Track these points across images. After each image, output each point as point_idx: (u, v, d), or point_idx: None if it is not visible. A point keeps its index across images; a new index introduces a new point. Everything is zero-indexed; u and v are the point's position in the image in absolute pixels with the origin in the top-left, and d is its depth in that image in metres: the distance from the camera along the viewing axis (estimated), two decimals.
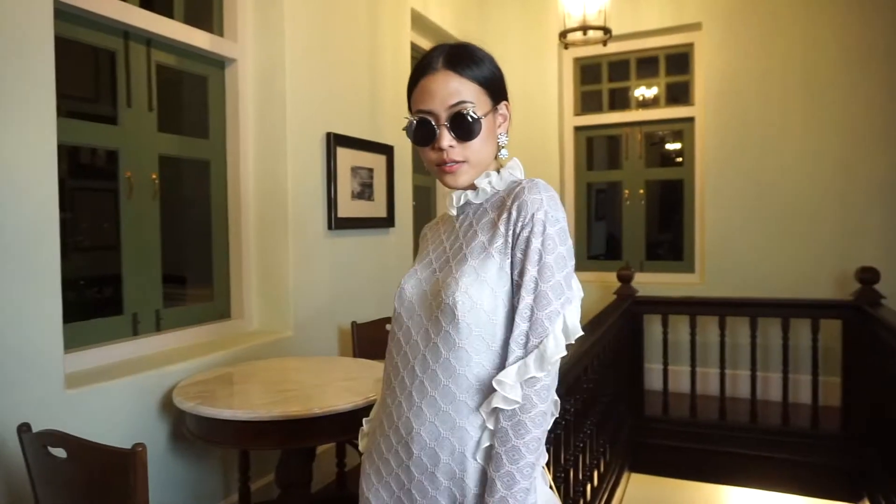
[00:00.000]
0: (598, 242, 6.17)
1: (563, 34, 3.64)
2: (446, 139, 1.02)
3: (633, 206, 4.83)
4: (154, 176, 2.55)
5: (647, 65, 4.77)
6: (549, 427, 1.01)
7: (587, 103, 4.99)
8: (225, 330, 2.81)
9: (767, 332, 3.93)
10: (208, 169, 2.84)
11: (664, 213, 5.98)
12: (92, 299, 3.05)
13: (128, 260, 2.47)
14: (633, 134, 4.81)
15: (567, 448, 2.34)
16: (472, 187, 1.09)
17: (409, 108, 1.09)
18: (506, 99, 1.12)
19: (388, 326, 1.17)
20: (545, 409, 0.98)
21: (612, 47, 4.34)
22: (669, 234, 5.39)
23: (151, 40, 2.51)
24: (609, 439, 3.26)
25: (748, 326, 3.73)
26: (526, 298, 0.98)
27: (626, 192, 4.84)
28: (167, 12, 2.57)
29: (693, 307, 3.89)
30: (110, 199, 2.65)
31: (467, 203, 1.11)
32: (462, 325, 0.99)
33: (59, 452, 1.40)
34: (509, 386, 0.96)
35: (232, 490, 2.52)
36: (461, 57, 1.05)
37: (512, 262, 1.00)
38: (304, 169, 2.94)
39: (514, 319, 0.99)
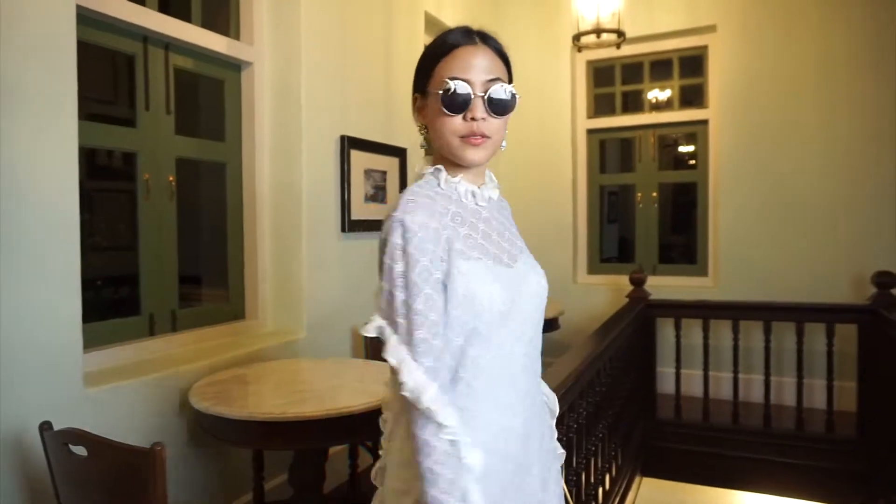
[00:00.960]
0: (609, 245, 6.16)
1: (576, 37, 3.64)
2: (480, 110, 1.01)
3: (645, 208, 4.81)
4: (171, 178, 2.58)
5: (660, 67, 4.75)
6: None
7: (600, 106, 4.98)
8: (239, 331, 2.84)
9: (782, 336, 3.90)
10: (224, 171, 2.87)
11: (677, 216, 5.96)
12: (109, 299, 3.09)
13: (145, 261, 2.50)
14: (647, 136, 4.79)
15: (580, 451, 2.34)
16: (478, 177, 1.10)
17: (424, 81, 1.06)
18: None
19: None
20: None
21: (626, 50, 4.33)
22: (682, 237, 5.37)
23: (170, 44, 2.54)
24: (621, 442, 3.25)
25: (762, 330, 3.70)
26: None
27: (639, 194, 4.82)
28: (185, 16, 2.61)
29: (706, 310, 3.87)
30: (128, 200, 2.69)
31: (489, 199, 1.12)
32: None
33: (80, 450, 1.43)
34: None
35: (246, 489, 2.55)
36: (496, 40, 1.08)
37: None
38: (319, 171, 2.96)
39: None
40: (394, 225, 0.96)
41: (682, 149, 5.73)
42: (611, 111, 4.94)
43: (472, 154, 1.03)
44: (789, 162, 4.17)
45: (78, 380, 1.93)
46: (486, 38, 1.06)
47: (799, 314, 3.68)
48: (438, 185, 1.06)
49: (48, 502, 1.66)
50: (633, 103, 4.94)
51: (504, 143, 1.09)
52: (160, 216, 2.54)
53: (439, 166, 1.07)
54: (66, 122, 1.90)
